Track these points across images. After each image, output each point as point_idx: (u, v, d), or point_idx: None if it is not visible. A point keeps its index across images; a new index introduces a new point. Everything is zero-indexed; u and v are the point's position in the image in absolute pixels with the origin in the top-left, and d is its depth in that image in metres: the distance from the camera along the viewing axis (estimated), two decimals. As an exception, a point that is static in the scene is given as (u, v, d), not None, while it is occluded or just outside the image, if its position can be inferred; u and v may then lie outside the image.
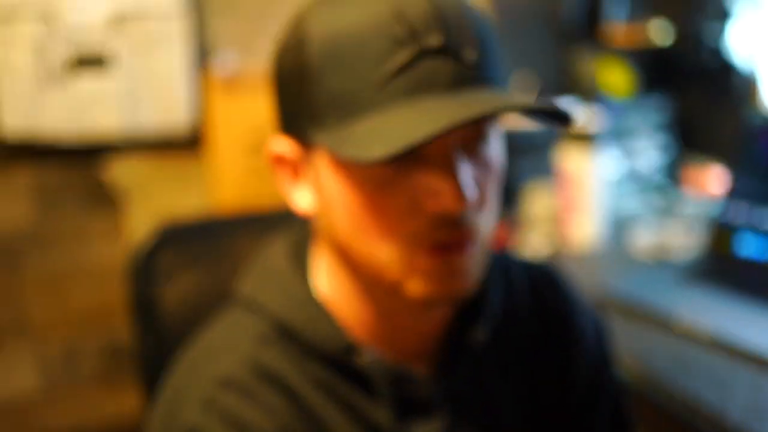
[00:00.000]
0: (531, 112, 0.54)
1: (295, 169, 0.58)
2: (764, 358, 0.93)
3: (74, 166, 1.52)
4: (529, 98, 0.51)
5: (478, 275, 0.57)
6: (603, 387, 0.73)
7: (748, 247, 1.23)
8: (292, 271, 0.62)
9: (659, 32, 1.71)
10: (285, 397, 0.57)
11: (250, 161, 1.53)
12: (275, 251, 0.65)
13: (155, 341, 0.90)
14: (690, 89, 1.89)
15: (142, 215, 1.57)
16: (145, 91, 1.46)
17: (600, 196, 1.45)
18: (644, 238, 1.44)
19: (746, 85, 1.64)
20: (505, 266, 0.71)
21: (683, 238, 1.41)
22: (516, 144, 1.60)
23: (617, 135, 1.70)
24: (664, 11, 1.61)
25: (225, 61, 1.49)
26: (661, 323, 1.07)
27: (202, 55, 1.52)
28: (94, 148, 1.51)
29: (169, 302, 0.91)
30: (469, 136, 0.53)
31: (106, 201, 1.56)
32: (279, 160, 0.58)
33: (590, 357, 0.72)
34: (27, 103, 1.42)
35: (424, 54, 0.49)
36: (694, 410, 0.87)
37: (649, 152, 1.80)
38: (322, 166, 0.55)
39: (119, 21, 1.41)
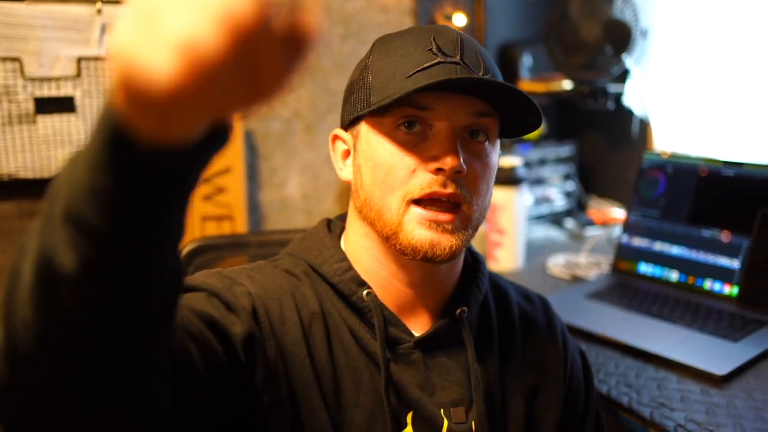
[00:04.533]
0: (510, 108, 0.71)
1: (346, 150, 0.77)
2: (667, 358, 1.11)
3: (31, 197, 1.47)
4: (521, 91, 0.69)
5: (460, 247, 0.70)
6: (590, 409, 0.87)
7: (647, 268, 1.46)
8: (324, 232, 0.79)
9: (565, 85, 1.96)
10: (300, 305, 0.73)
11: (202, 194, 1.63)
12: (315, 225, 0.82)
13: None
14: (591, 134, 2.17)
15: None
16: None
17: (521, 223, 1.64)
18: (557, 261, 1.65)
19: (642, 130, 1.92)
20: (495, 279, 0.87)
21: (590, 261, 1.63)
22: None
23: (530, 172, 1.92)
24: (568, 71, 1.84)
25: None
26: (584, 331, 1.24)
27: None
28: (52, 178, 1.48)
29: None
30: (470, 131, 0.70)
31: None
32: (335, 138, 0.78)
33: (577, 380, 0.86)
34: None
35: (443, 62, 0.68)
36: (614, 403, 1.03)
37: (556, 187, 2.04)
38: (363, 133, 0.72)
39: (83, 63, 1.44)
